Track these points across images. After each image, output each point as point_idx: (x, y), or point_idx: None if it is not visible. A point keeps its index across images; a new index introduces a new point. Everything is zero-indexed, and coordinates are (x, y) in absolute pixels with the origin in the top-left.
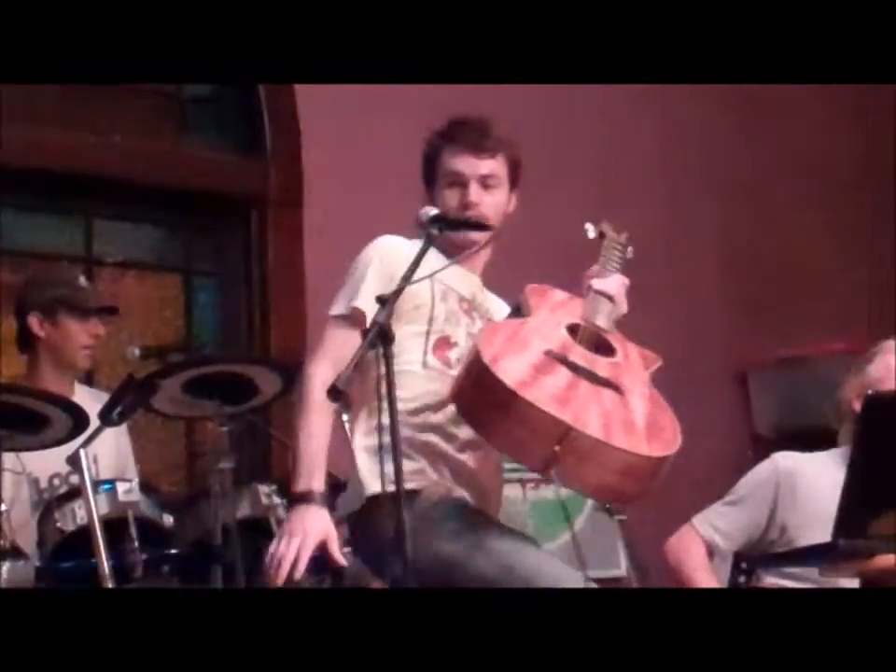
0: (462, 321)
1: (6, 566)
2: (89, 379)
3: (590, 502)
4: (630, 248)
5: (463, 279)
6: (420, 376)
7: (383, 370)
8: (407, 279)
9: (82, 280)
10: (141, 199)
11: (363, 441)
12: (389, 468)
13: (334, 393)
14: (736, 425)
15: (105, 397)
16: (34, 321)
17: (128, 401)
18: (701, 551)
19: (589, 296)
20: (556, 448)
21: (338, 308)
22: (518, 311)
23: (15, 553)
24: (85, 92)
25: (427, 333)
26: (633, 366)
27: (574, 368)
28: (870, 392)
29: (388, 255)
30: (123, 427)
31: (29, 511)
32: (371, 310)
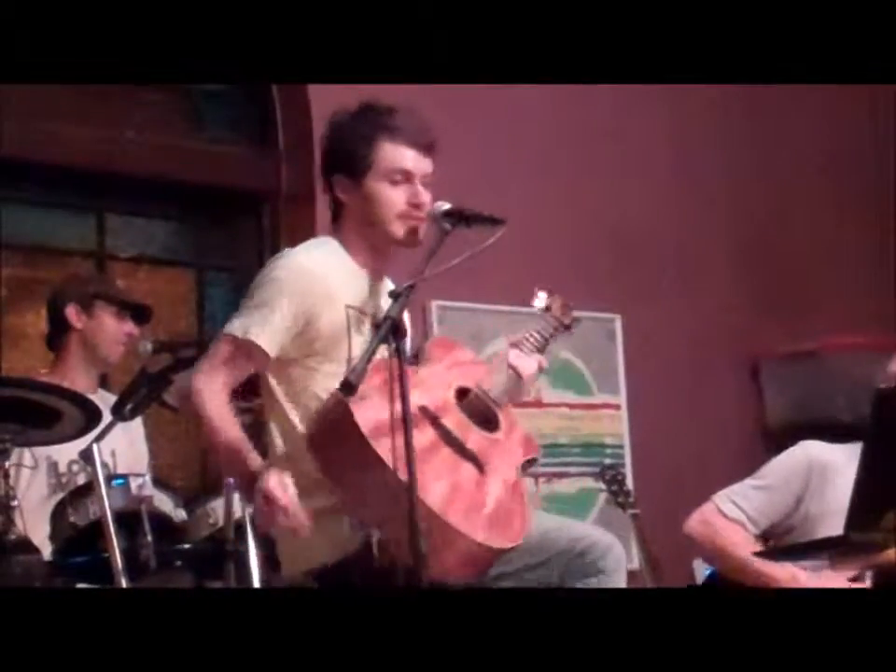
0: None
1: (18, 560)
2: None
3: (602, 496)
4: (572, 329)
5: (372, 294)
6: None
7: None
8: (421, 274)
9: (119, 283)
10: (154, 194)
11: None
12: None
13: (348, 388)
14: (748, 418)
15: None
16: (72, 311)
17: (140, 395)
18: (732, 528)
19: (498, 364)
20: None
21: (235, 329)
22: (416, 357)
23: (27, 547)
24: (98, 87)
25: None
26: (509, 448)
27: (443, 432)
28: (882, 386)
29: (305, 285)
30: (139, 423)
31: (43, 500)
32: (268, 348)
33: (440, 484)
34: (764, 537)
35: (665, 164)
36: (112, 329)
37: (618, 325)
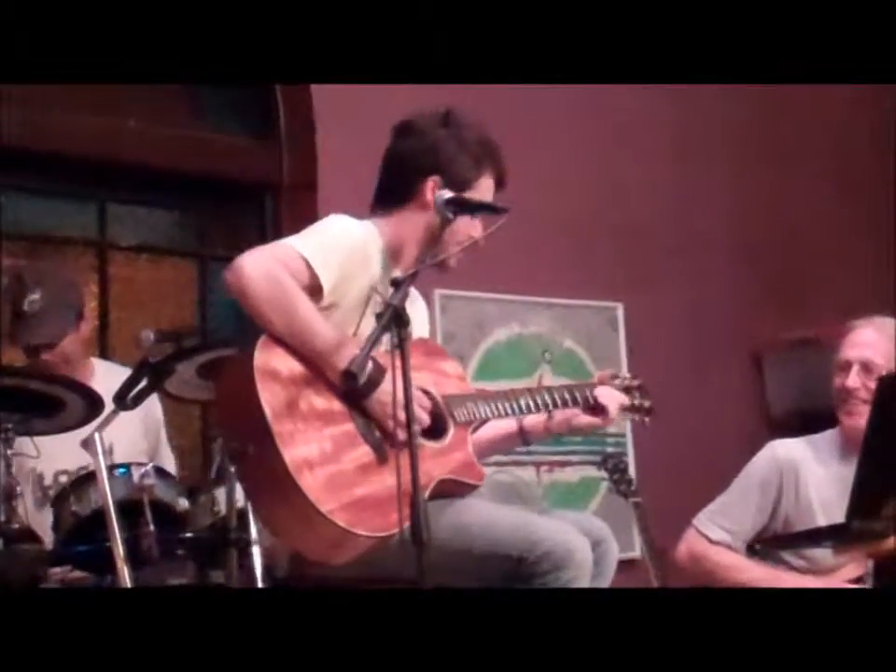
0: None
1: (21, 549)
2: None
3: (604, 485)
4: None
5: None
6: None
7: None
8: (422, 261)
9: (27, 305)
10: (156, 183)
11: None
12: None
13: (350, 378)
14: (751, 407)
15: (124, 371)
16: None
17: (143, 385)
18: (719, 550)
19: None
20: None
21: (306, 249)
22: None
23: (30, 536)
24: None
25: None
26: (437, 460)
27: (359, 412)
28: (885, 373)
29: (355, 244)
30: (154, 417)
31: (31, 515)
32: (326, 275)
33: (309, 447)
34: (751, 545)
35: (668, 153)
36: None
37: (620, 313)
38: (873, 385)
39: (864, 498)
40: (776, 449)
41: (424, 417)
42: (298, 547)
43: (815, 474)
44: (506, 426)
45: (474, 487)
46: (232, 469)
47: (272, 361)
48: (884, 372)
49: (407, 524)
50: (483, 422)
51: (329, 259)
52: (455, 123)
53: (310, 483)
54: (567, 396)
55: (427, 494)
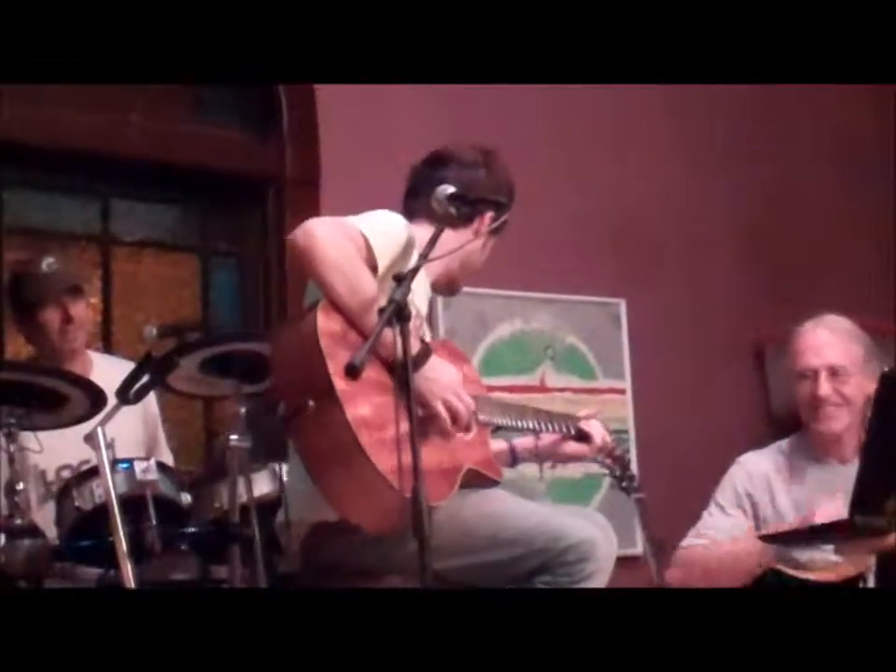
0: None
1: (24, 544)
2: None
3: (607, 481)
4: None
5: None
6: None
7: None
8: (425, 257)
9: (45, 265)
10: (158, 178)
11: None
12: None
13: (353, 370)
14: (753, 402)
15: (124, 364)
16: (12, 325)
17: (145, 379)
18: (698, 549)
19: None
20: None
21: (368, 230)
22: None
23: (33, 531)
24: None
25: None
26: (463, 450)
27: (403, 390)
28: (886, 370)
29: (410, 247)
30: (151, 411)
31: (33, 511)
32: (381, 257)
33: (367, 409)
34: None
35: (670, 148)
36: (53, 325)
37: (622, 309)
38: (843, 388)
39: (866, 494)
40: (745, 463)
41: (466, 407)
42: (346, 509)
43: (785, 482)
44: (497, 446)
45: (495, 483)
46: (288, 436)
47: (332, 324)
48: (852, 374)
49: (448, 498)
50: (498, 428)
51: (386, 245)
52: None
53: (368, 441)
54: (565, 424)
55: (458, 477)
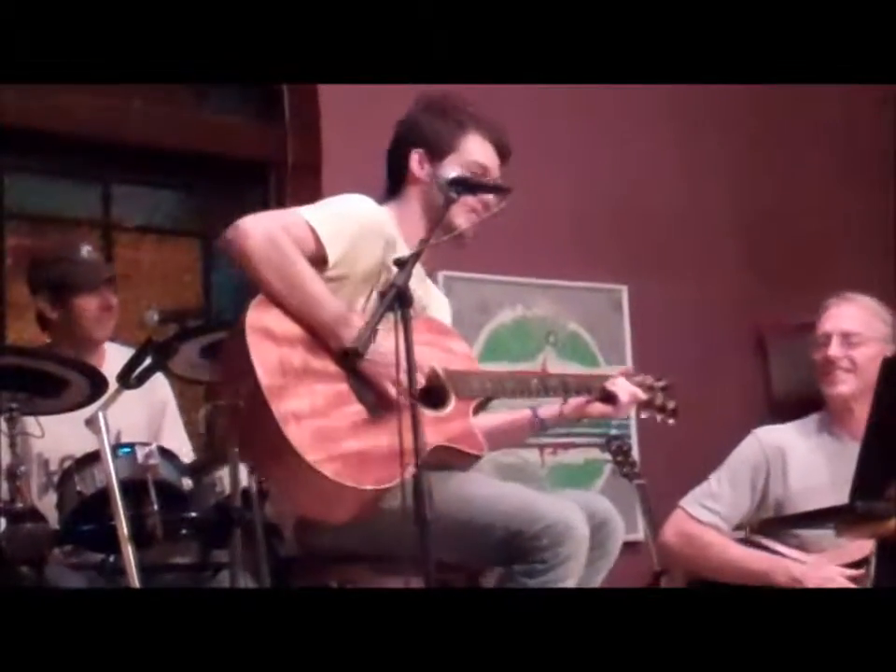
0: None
1: (25, 528)
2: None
3: (608, 467)
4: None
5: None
6: None
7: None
8: (426, 241)
9: (85, 251)
10: (160, 163)
11: None
12: None
13: (353, 355)
14: (754, 389)
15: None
16: (44, 306)
17: (146, 364)
18: (707, 531)
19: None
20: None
21: (315, 219)
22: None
23: (34, 515)
24: None
25: None
26: (435, 426)
27: (355, 374)
28: (888, 354)
29: (370, 218)
30: (159, 398)
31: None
32: (332, 245)
33: (298, 401)
34: (739, 528)
35: (671, 135)
36: (88, 312)
37: (624, 296)
38: (855, 354)
39: (868, 479)
40: (761, 436)
41: (419, 379)
42: (295, 505)
43: (802, 458)
44: (519, 413)
45: (475, 458)
46: (228, 435)
47: (264, 320)
48: (865, 342)
49: (395, 481)
50: (488, 399)
51: (339, 230)
52: (437, 101)
53: (296, 434)
54: (576, 382)
55: (413, 460)
